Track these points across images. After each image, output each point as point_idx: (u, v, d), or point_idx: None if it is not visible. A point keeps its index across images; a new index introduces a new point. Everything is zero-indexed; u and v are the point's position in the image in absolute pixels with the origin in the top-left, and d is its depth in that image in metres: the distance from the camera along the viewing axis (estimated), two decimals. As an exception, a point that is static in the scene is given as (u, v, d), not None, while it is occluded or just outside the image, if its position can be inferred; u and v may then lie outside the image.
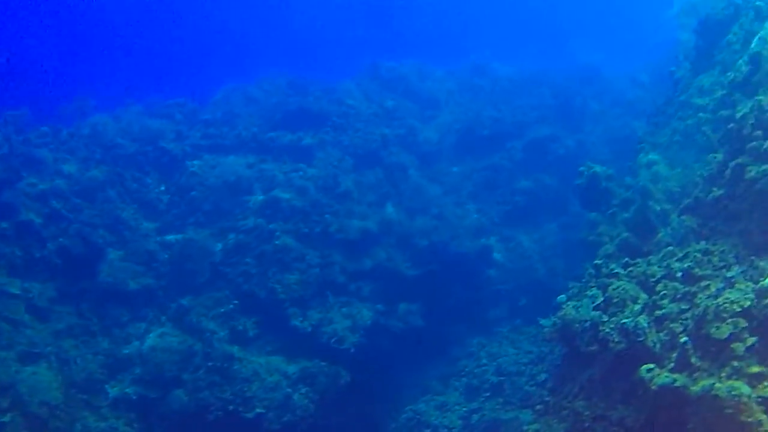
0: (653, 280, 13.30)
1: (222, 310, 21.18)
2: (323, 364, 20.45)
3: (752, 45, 14.28)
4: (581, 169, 18.15)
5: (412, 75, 32.55)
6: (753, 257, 12.46)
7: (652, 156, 16.33)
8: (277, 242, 22.17)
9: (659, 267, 13.51)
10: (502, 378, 21.52)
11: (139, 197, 23.83)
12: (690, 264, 12.93)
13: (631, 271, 13.83)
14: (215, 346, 20.10)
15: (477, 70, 34.22)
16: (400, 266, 22.93)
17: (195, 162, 25.17)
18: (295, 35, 58.27)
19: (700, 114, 15.69)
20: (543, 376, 20.20)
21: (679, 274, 12.98)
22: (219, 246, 22.46)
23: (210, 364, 19.76)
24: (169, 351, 19.95)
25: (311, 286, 21.74)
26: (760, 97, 13.43)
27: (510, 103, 30.73)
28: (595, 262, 14.96)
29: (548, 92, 31.03)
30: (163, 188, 24.45)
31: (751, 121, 13.32)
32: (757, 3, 16.74)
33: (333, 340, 20.80)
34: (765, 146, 12.85)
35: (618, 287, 13.24)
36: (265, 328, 21.24)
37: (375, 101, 29.79)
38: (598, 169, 17.85)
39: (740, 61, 15.12)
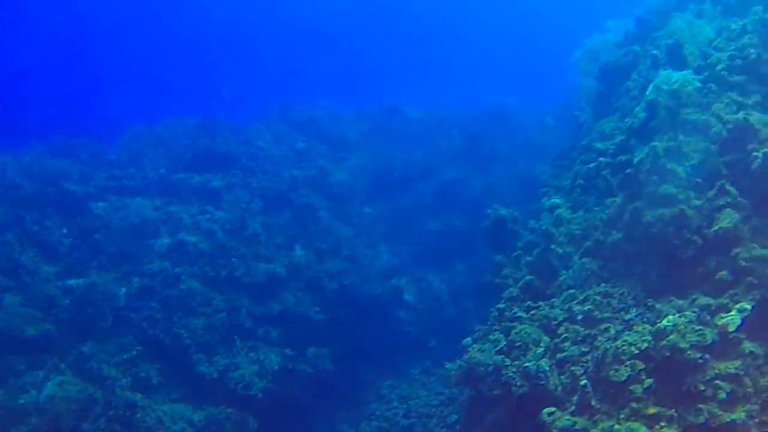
0: (555, 323, 13.48)
1: (125, 356, 20.39)
2: (230, 410, 19.87)
3: (647, 92, 14.71)
4: (488, 211, 18.37)
5: (324, 116, 32.69)
6: (650, 300, 12.77)
7: (555, 199, 16.63)
8: (182, 286, 21.63)
9: (561, 310, 13.71)
10: (412, 420, 21.37)
11: (39, 240, 22.94)
12: (590, 307, 13.16)
13: (533, 314, 13.98)
14: (117, 394, 19.32)
15: (389, 112, 34.52)
16: (308, 310, 22.65)
17: (99, 204, 24.44)
18: (207, 76, 57.91)
19: (601, 159, 16.05)
20: (453, 417, 20.20)
21: (579, 317, 13.19)
22: (123, 290, 21.75)
23: (111, 413, 18.95)
24: (68, 400, 19.02)
25: (218, 331, 21.22)
26: (656, 144, 13.84)
27: (421, 144, 31.12)
28: (498, 306, 15.05)
29: (458, 134, 31.50)
30: (65, 231, 23.61)
31: (647, 167, 13.70)
32: (654, 51, 17.34)
33: (240, 385, 20.29)
34: (660, 191, 13.21)
35: (520, 331, 13.35)
36: (170, 375, 20.55)
37: (285, 143, 29.73)
38: (503, 211, 18.07)
39: (638, 108, 15.57)
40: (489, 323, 15.17)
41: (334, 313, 22.98)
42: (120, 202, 24.63)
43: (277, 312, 22.27)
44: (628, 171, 14.26)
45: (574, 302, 13.61)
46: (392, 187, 28.84)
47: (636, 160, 14.12)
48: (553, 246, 15.19)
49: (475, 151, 30.33)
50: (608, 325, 12.63)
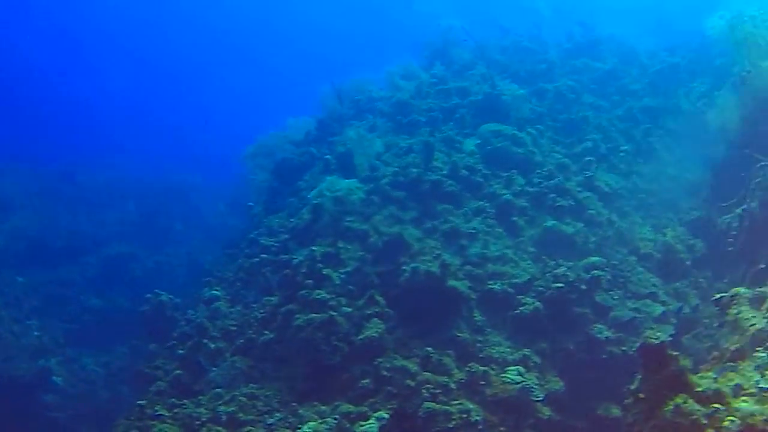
0: (198, 423, 12.91)
1: None
2: None
3: (312, 195, 15.07)
4: (148, 295, 17.64)
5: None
6: (295, 404, 12.71)
7: (215, 291, 16.26)
8: None
9: (206, 409, 13.18)
10: None
11: None
12: (235, 408, 12.80)
13: (177, 413, 13.31)
14: None
15: (63, 176, 32.44)
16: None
17: None
18: None
19: (263, 255, 16.05)
20: None
21: (224, 418, 12.75)
22: None
23: None
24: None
25: None
26: (315, 248, 14.12)
27: (93, 214, 29.44)
28: (139, 402, 14.20)
29: (134, 207, 30.31)
30: None
31: (303, 270, 13.88)
32: (327, 156, 17.96)
33: None
34: (313, 295, 13.41)
35: (160, 431, 12.63)
36: None
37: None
38: (164, 297, 17.42)
39: (304, 210, 15.91)
40: (132, 418, 14.25)
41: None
42: None
43: None
44: (286, 272, 14.36)
45: (220, 402, 13.17)
46: (53, 256, 26.77)
47: (295, 261, 14.27)
48: (206, 340, 14.73)
49: (149, 226, 29.29)
50: (251, 428, 12.34)
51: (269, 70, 57.47)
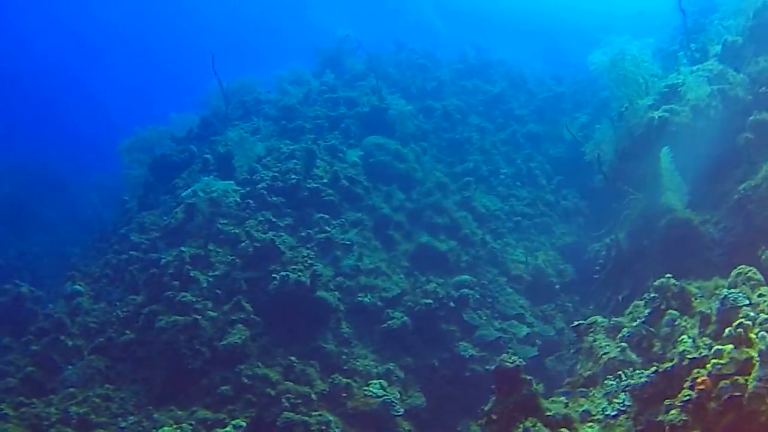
0: (46, 423, 12.35)
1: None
2: None
3: (186, 194, 14.72)
4: (7, 286, 16.75)
5: None
6: (151, 407, 12.34)
7: (78, 287, 15.58)
8: None
9: (57, 410, 12.62)
10: None
11: None
12: (87, 409, 12.31)
13: (24, 412, 12.68)
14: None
15: None
16: None
17: None
18: None
19: (132, 252, 15.52)
20: None
21: (74, 420, 12.25)
22: None
23: None
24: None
25: None
26: (184, 249, 13.78)
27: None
28: (-18, 400, 13.49)
29: (8, 190, 28.84)
30: None
31: (171, 270, 13.53)
32: (207, 155, 17.57)
33: None
34: (179, 297, 13.07)
35: (4, 431, 12.02)
36: None
37: None
38: (24, 288, 16.66)
39: (177, 209, 15.50)
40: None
41: None
42: None
43: None
44: (153, 271, 13.94)
45: (72, 402, 12.64)
46: None
47: (163, 261, 13.89)
48: (63, 337, 14.12)
49: (18, 212, 27.91)
50: (100, 431, 11.90)
51: (157, 63, 55.99)
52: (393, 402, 13.02)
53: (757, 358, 6.70)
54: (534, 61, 28.21)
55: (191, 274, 13.50)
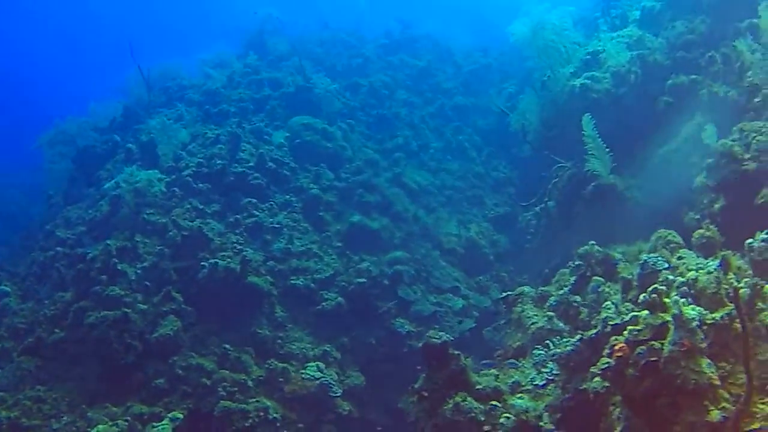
0: (-27, 431, 12.11)
1: None
2: None
3: (109, 186, 14.44)
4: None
5: None
6: (84, 406, 12.15)
7: (5, 287, 15.22)
8: None
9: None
10: None
11: None
12: (17, 413, 12.05)
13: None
14: None
15: None
16: None
17: None
18: None
19: (58, 248, 15.19)
20: None
21: (5, 425, 11.99)
22: None
23: None
24: None
25: None
26: (110, 242, 13.53)
27: None
28: None
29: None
30: None
31: (98, 265, 13.28)
32: (129, 145, 17.23)
33: None
34: (107, 291, 12.87)
35: None
36: None
37: None
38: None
39: (102, 201, 15.20)
40: None
41: None
42: None
43: None
44: (80, 266, 13.68)
45: (2, 407, 12.37)
46: None
47: (89, 255, 13.62)
48: (-9, 339, 13.83)
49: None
50: (34, 434, 11.68)
51: (72, 49, 54.01)
52: (331, 384, 13.06)
53: (672, 323, 6.85)
54: (461, 35, 28.17)
55: (119, 267, 13.26)
